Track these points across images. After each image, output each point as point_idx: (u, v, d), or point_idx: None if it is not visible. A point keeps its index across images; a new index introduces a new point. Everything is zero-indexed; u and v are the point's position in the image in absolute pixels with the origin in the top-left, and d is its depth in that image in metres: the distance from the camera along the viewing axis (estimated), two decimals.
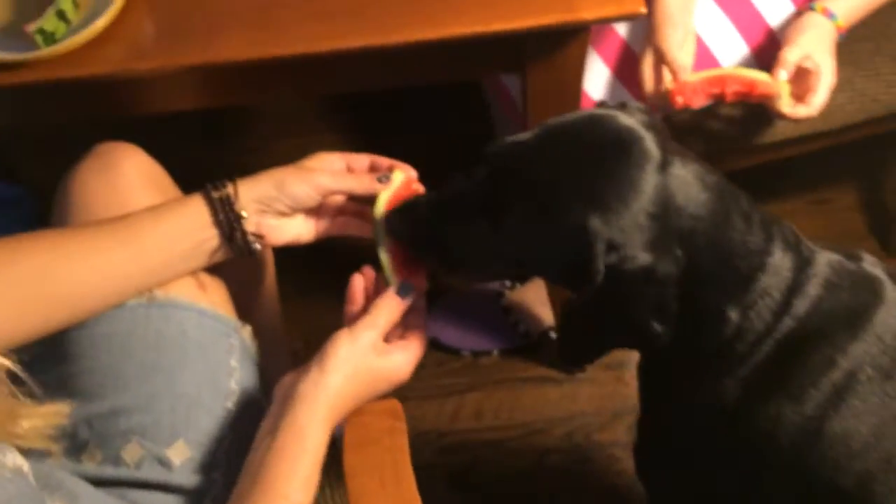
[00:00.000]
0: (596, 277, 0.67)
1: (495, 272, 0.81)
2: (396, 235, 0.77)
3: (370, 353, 0.73)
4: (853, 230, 1.63)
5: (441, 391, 1.50)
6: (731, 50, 1.09)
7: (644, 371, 0.88)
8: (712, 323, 0.72)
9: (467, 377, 1.52)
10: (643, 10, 0.79)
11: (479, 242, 0.73)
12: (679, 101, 1.00)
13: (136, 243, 0.76)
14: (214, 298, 0.83)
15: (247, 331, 0.85)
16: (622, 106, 0.74)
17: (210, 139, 1.82)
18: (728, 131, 1.13)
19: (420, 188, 0.81)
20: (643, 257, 0.67)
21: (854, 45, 1.11)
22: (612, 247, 0.67)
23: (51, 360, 0.78)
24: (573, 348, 0.81)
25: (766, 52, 1.11)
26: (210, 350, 0.80)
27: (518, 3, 0.81)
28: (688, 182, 0.69)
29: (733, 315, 0.71)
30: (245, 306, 0.89)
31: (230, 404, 0.79)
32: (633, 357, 1.51)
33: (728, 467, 0.77)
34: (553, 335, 1.53)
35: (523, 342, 1.54)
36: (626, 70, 1.10)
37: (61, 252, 0.73)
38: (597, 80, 1.11)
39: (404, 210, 0.77)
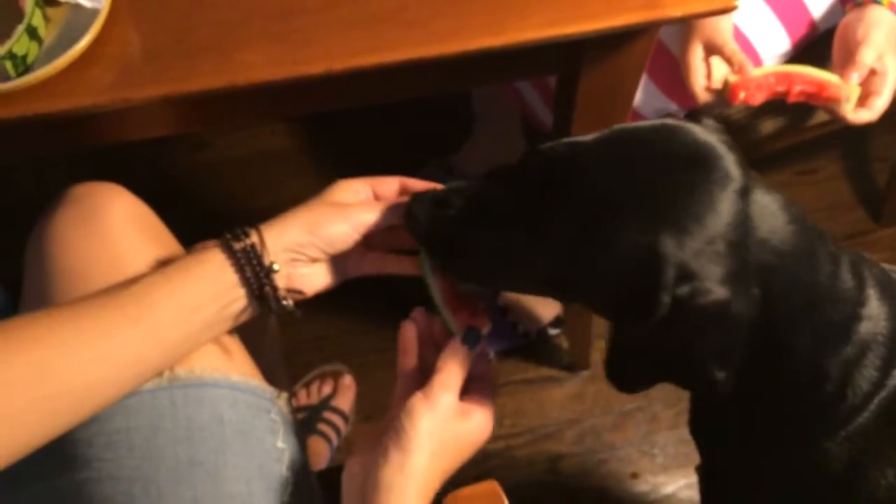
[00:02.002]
0: (658, 310, 0.57)
1: (532, 289, 0.70)
2: (411, 229, 0.65)
3: (452, 419, 0.62)
4: (842, 200, 1.60)
5: None
6: (773, 44, 1.01)
7: (704, 423, 0.81)
8: (810, 379, 0.64)
9: None
10: (737, 3, 0.68)
11: (518, 256, 0.62)
12: (741, 96, 0.91)
13: (149, 319, 0.61)
14: (242, 365, 0.70)
15: (283, 399, 0.72)
16: (695, 120, 0.65)
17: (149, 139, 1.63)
18: (775, 123, 1.05)
19: None
20: (718, 291, 0.57)
21: None
22: (682, 275, 0.57)
23: (56, 466, 0.63)
24: (620, 377, 0.71)
25: (805, 44, 1.03)
26: (252, 434, 0.67)
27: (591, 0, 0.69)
28: (772, 212, 0.60)
29: (834, 371, 0.63)
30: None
31: (287, 496, 0.67)
32: None
33: None
34: (552, 332, 1.45)
35: (522, 342, 1.45)
36: (657, 67, 1.00)
37: (60, 340, 0.58)
38: None
39: (430, 202, 0.64)
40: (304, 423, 1.32)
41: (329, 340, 1.45)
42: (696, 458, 1.40)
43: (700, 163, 0.59)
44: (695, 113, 1.05)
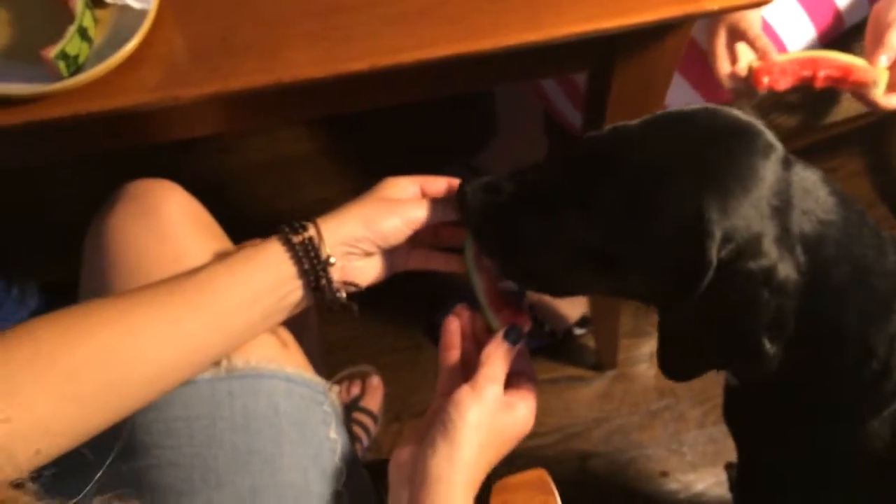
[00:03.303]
0: (706, 273, 0.58)
1: (578, 279, 0.71)
2: (462, 211, 0.68)
3: (498, 411, 0.63)
4: (864, 197, 1.60)
5: None
6: (798, 33, 1.01)
7: (740, 412, 0.81)
8: (857, 356, 0.64)
9: None
10: None
11: (568, 238, 0.64)
12: (765, 81, 0.91)
13: (211, 306, 0.63)
14: (296, 358, 0.72)
15: (334, 392, 0.74)
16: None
17: (174, 142, 1.65)
18: (791, 121, 1.06)
19: None
20: (765, 254, 0.58)
21: None
22: (728, 237, 0.58)
23: (118, 452, 0.64)
24: (673, 362, 0.72)
25: (831, 34, 1.04)
26: (307, 425, 0.68)
27: None
28: (815, 184, 0.61)
29: (880, 347, 0.63)
30: None
31: (340, 486, 0.68)
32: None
33: None
34: (578, 332, 1.46)
35: (548, 341, 1.46)
36: (687, 62, 1.01)
37: (126, 326, 0.60)
38: None
39: (482, 187, 0.66)
40: None
41: (357, 342, 1.46)
42: (725, 456, 1.41)
43: (743, 135, 0.61)
44: None
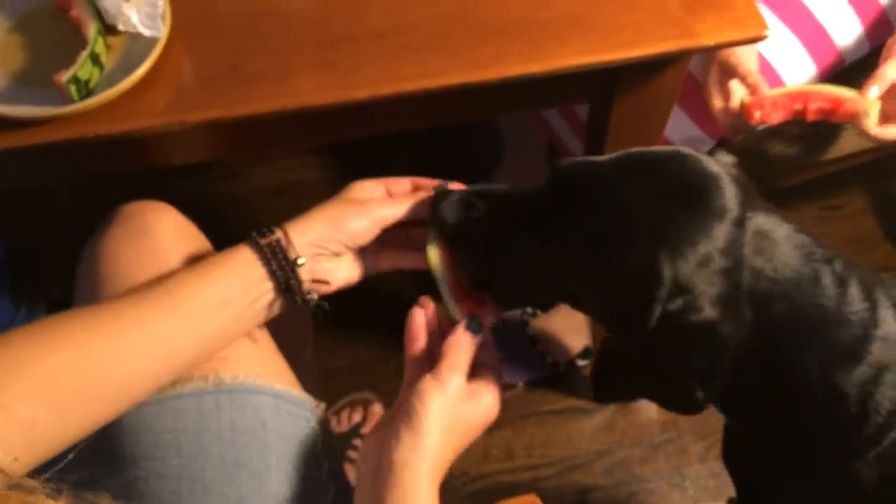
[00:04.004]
0: (650, 321, 0.60)
1: (537, 295, 0.73)
2: (439, 228, 0.69)
3: (461, 400, 0.64)
4: (868, 235, 1.60)
5: None
6: (798, 70, 1.03)
7: (736, 453, 0.81)
8: (826, 400, 0.64)
9: None
10: (768, 33, 0.71)
11: (530, 259, 0.66)
12: (757, 115, 0.92)
13: (182, 311, 0.64)
14: (284, 376, 0.72)
15: (321, 409, 0.74)
16: (710, 153, 0.68)
17: (182, 168, 1.67)
18: (789, 152, 1.07)
19: None
20: (707, 311, 0.60)
21: None
22: (676, 291, 0.60)
23: (107, 466, 0.65)
24: (606, 388, 0.74)
25: (832, 72, 1.05)
26: (294, 440, 0.69)
27: (625, 29, 0.72)
28: (772, 241, 0.62)
29: (852, 391, 0.64)
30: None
31: (328, 501, 0.68)
32: None
33: None
34: (581, 363, 1.46)
35: (550, 372, 1.46)
36: (686, 95, 1.02)
37: (102, 332, 0.61)
38: None
39: (456, 203, 0.69)
40: None
41: (359, 368, 1.46)
42: (727, 491, 1.39)
43: (701, 193, 0.62)
44: (724, 142, 1.07)
